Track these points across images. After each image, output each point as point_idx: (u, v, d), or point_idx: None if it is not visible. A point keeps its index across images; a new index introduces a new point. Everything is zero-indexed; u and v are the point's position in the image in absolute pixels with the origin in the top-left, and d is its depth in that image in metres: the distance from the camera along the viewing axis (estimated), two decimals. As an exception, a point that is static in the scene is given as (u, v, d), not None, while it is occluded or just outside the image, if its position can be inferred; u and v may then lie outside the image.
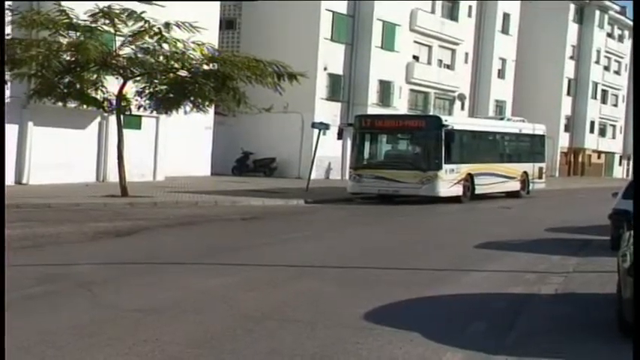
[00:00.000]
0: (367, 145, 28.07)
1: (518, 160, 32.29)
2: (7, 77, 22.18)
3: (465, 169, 27.68)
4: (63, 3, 22.96)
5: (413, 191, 26.48)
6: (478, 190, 28.49)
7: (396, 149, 29.35)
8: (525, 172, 32.20)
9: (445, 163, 26.37)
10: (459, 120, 33.41)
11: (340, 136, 29.45)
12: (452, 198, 26.84)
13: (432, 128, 26.60)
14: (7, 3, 22.80)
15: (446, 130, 26.27)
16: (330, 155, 38.46)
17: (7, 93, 23.31)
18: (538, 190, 33.20)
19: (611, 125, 73.96)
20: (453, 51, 50.82)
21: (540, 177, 33.86)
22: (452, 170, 26.84)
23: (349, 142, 30.01)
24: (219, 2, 37.10)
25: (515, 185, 31.50)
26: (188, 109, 24.29)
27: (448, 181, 26.69)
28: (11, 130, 26.28)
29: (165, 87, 23.66)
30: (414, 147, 28.51)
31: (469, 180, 27.97)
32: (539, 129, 34.82)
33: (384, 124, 28.58)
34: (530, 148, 33.83)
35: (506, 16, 55.99)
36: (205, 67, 23.28)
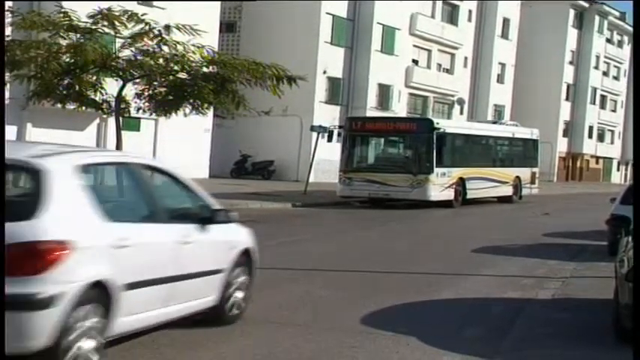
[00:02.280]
0: (358, 147, 27.59)
1: (510, 164, 31.95)
2: (6, 79, 22.18)
3: (457, 173, 27.27)
4: (64, 4, 22.97)
5: (403, 195, 26.16)
6: (470, 195, 28.13)
7: (387, 152, 28.98)
8: (518, 177, 31.87)
9: (436, 166, 25.95)
10: (451, 123, 32.89)
11: (330, 138, 28.95)
12: (443, 202, 26.47)
13: (424, 131, 26.23)
14: (7, 4, 22.83)
15: (437, 134, 25.96)
16: (328, 159, 38.47)
17: (6, 95, 23.31)
18: (531, 196, 32.93)
19: (609, 130, 74.04)
20: (453, 55, 50.88)
21: (533, 182, 33.48)
22: (443, 174, 26.42)
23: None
24: (219, 5, 37.11)
25: (507, 190, 31.15)
26: (187, 111, 24.27)
27: (439, 185, 26.27)
28: (10, 132, 26.29)
29: (164, 89, 23.64)
30: (405, 150, 28.03)
31: (460, 184, 27.59)
32: (532, 133, 34.52)
33: (375, 126, 28.25)
34: (524, 152, 33.48)
35: (505, 21, 56.07)
36: (205, 69, 23.28)
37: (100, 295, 5.84)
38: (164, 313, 6.87)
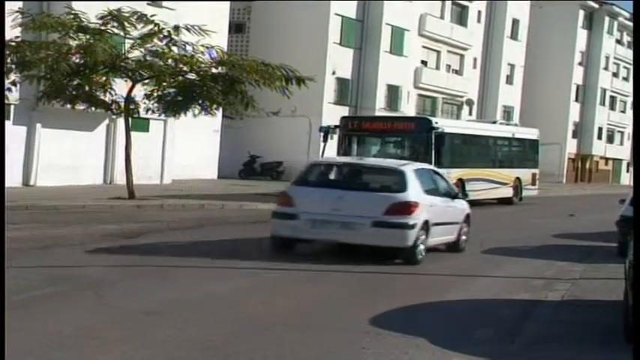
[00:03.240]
0: (354, 148, 26.52)
1: (510, 165, 30.98)
2: (17, 79, 22.26)
3: (456, 174, 26.18)
4: (74, 5, 23.05)
5: None
6: (469, 197, 26.28)
7: (383, 153, 27.28)
8: (518, 179, 30.95)
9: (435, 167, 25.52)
10: (449, 123, 31.74)
11: (326, 138, 27.01)
12: None
13: (422, 131, 25.28)
14: (17, 5, 22.92)
15: (436, 133, 24.99)
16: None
17: (17, 95, 23.40)
18: (531, 197, 32.16)
19: (619, 132, 73.82)
20: (462, 56, 50.80)
21: (533, 183, 32.66)
22: None
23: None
24: (228, 6, 37.15)
25: (507, 192, 30.29)
26: (196, 112, 24.31)
27: None
28: (20, 132, 26.37)
29: (173, 90, 23.69)
30: (403, 150, 26.83)
31: (460, 186, 26.18)
32: (532, 133, 33.86)
33: (372, 126, 27.32)
34: (523, 153, 32.66)
35: (515, 22, 55.94)
36: (214, 70, 23.32)
37: (425, 226, 13.10)
38: (439, 240, 14.13)
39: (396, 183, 13.44)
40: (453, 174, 26.10)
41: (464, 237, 15.06)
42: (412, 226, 12.72)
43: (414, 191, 13.20)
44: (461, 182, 26.65)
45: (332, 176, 14.67)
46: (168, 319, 8.23)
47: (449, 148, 26.41)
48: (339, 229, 12.90)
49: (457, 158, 27.46)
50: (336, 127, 27.17)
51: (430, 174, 14.86)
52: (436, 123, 25.80)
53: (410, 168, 13.90)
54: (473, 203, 27.36)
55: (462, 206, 15.23)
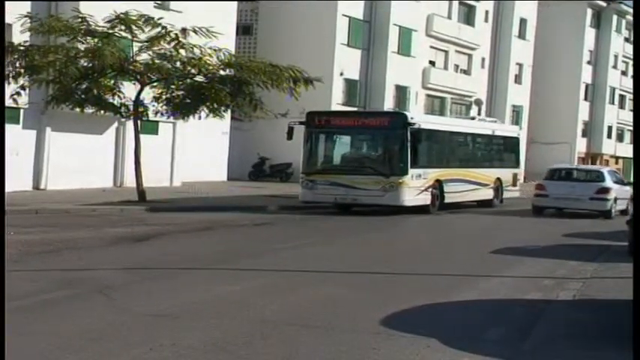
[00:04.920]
0: (322, 146, 24.55)
1: (490, 165, 28.87)
2: (25, 83, 22.34)
3: (434, 174, 24.38)
4: (81, 7, 23.12)
5: (374, 200, 23.14)
6: (448, 199, 25.10)
7: (355, 151, 25.41)
8: (499, 179, 28.76)
9: (411, 167, 23.06)
10: (426, 118, 29.30)
11: (290, 136, 24.16)
12: (418, 207, 23.65)
13: (397, 127, 23.07)
14: (26, 7, 23.01)
15: (412, 130, 22.84)
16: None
17: (26, 99, 23.48)
18: (512, 199, 29.85)
19: (629, 130, 73.51)
20: (470, 56, 50.72)
21: (514, 184, 30.46)
22: (418, 176, 23.51)
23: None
24: (235, 8, 37.18)
25: (488, 193, 28.12)
26: (204, 114, 24.35)
27: (414, 188, 23.37)
28: (29, 136, 26.47)
29: (182, 92, 23.74)
30: (376, 148, 24.87)
31: (437, 187, 24.55)
32: (512, 131, 32.78)
33: (341, 122, 24.86)
34: (504, 151, 30.66)
35: (522, 21, 55.82)
36: (222, 72, 23.36)
37: (615, 200, 25.62)
38: (619, 207, 25.78)
39: (598, 177, 26.16)
40: (430, 174, 24.29)
41: (630, 208, 24.25)
42: (609, 200, 25.13)
43: (609, 181, 25.71)
44: (439, 183, 24.81)
45: (564, 174, 27.12)
46: (178, 322, 8.22)
47: (426, 145, 24.55)
48: (571, 201, 25.27)
49: (435, 157, 25.61)
50: (301, 123, 24.35)
51: (614, 172, 28.05)
52: (412, 118, 23.65)
53: (605, 169, 27.51)
54: (452, 207, 25.55)
55: (628, 189, 26.30)
